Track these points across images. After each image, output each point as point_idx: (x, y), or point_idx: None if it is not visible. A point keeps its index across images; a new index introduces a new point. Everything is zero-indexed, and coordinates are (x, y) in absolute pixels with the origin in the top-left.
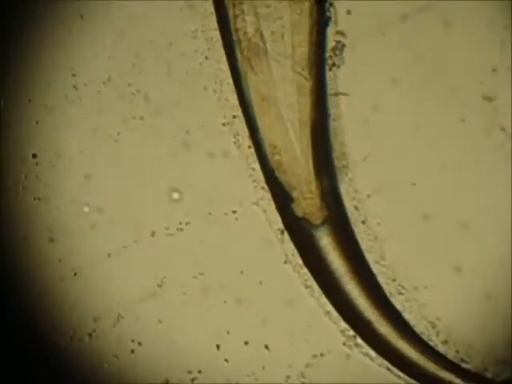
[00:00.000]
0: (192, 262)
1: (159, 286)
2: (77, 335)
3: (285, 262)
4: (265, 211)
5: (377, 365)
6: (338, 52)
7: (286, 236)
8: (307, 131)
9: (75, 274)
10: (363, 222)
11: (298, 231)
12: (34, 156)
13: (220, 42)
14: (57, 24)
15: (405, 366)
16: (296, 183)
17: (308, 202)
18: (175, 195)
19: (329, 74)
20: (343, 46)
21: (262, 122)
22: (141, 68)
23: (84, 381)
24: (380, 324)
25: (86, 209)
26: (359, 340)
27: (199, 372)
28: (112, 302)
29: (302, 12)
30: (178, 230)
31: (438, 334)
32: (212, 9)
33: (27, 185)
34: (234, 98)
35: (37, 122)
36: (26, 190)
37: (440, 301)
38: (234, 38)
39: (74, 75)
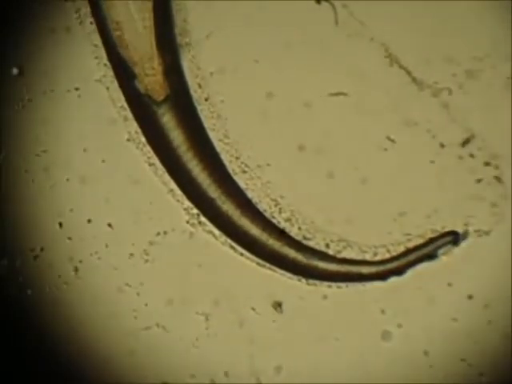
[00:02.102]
0: (34, 139)
1: (0, 163)
2: None
3: (128, 140)
4: (107, 88)
5: (220, 243)
6: None
7: (129, 113)
8: (149, 7)
9: None
10: (206, 100)
11: (141, 108)
12: None
13: None
14: None
15: (248, 243)
16: (138, 59)
17: (150, 79)
18: (15, 70)
19: None
20: None
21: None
22: None
23: None
24: (223, 202)
25: None
26: (203, 218)
27: (41, 250)
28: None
29: None
30: (21, 107)
31: (280, 211)
32: None
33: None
34: None
35: None
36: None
37: (283, 179)
38: None
39: None
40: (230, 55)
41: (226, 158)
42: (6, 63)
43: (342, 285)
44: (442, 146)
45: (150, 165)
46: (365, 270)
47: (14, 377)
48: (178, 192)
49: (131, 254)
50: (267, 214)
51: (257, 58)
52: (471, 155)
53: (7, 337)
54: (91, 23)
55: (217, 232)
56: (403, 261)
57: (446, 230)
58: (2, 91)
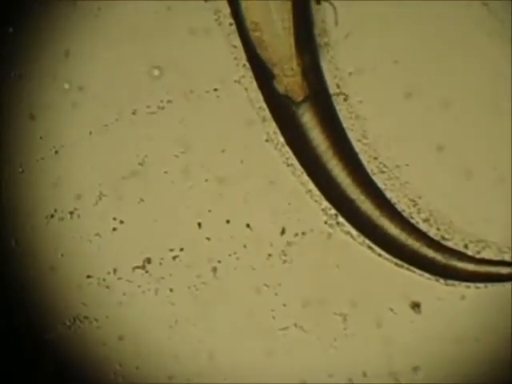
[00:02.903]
0: (173, 141)
1: (141, 164)
2: (58, 214)
3: (266, 141)
4: (246, 89)
5: (358, 243)
6: None
7: (268, 114)
8: (288, 7)
9: (56, 152)
10: (345, 100)
11: (280, 109)
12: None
13: None
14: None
15: (386, 244)
16: (277, 60)
17: (289, 79)
18: (156, 72)
19: None
20: None
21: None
22: None
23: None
24: (362, 202)
25: (66, 86)
26: (341, 218)
27: (181, 250)
28: (93, 180)
29: None
30: (159, 108)
31: (419, 211)
32: None
33: (7, 58)
34: None
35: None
36: (6, 64)
37: (421, 179)
38: None
39: None
40: (369, 55)
41: (364, 158)
42: (148, 64)
43: (481, 285)
44: None
45: (289, 165)
46: (504, 270)
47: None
48: (317, 192)
49: (269, 255)
50: (406, 214)
51: (396, 58)
52: None
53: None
54: (230, 24)
55: (355, 232)
56: None
57: None
58: (142, 92)
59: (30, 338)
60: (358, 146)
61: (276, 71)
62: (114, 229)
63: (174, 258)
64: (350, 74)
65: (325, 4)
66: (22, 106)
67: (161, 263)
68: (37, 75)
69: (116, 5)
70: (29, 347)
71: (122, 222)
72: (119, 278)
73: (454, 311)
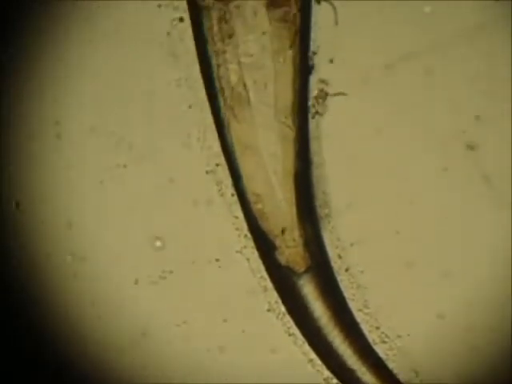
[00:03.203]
0: (175, 311)
1: (143, 334)
2: None
3: (268, 310)
4: (248, 259)
5: None
6: (320, 100)
7: (269, 284)
8: (290, 180)
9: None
10: (346, 270)
11: (281, 279)
12: (18, 205)
13: (203, 91)
14: (42, 74)
15: None
16: (279, 232)
17: (291, 251)
18: (158, 243)
19: (312, 123)
20: (326, 94)
21: (245, 171)
22: (124, 116)
23: None
24: (363, 372)
25: (68, 258)
26: None
27: None
28: (94, 353)
29: (285, 61)
30: (161, 278)
31: (421, 382)
32: (195, 58)
33: (11, 232)
34: (217, 146)
35: (20, 169)
36: (8, 237)
37: (424, 349)
38: (217, 86)
39: (57, 123)
40: (371, 225)
41: (365, 328)
42: (150, 235)
43: None
44: None
45: (290, 335)
46: None
47: None
48: (318, 362)
49: None
50: None
51: (398, 228)
52: None
53: None
54: (232, 195)
55: None
56: None
57: None
58: (144, 263)
59: (30, 338)
60: (359, 316)
61: (277, 242)
62: None
63: None
64: (352, 244)
65: (326, 177)
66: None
67: None
68: (39, 246)
69: (119, 175)
70: (29, 347)
71: None
72: None
73: None
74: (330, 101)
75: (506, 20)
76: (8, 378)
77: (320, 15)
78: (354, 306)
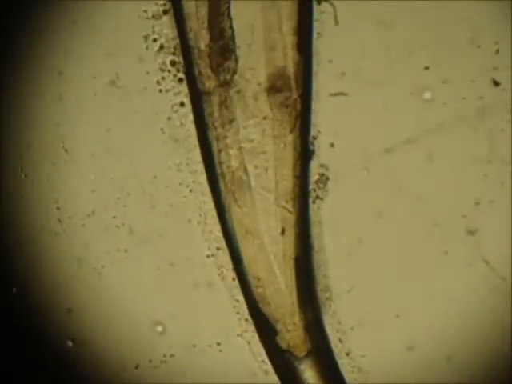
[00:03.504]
0: None
1: None
2: None
3: None
4: (249, 343)
5: None
6: (321, 185)
7: (270, 367)
8: (291, 264)
9: None
10: (347, 354)
11: (282, 363)
12: (18, 289)
13: (204, 175)
14: (42, 154)
15: None
16: (280, 315)
17: (292, 334)
18: (159, 328)
19: (312, 207)
20: (327, 179)
21: (246, 255)
22: (125, 201)
23: None
24: None
25: (69, 343)
26: None
27: None
28: None
29: (286, 146)
30: (162, 362)
31: None
32: (196, 142)
33: (11, 318)
34: (218, 230)
35: (21, 253)
36: (8, 323)
37: None
38: (218, 171)
39: (58, 208)
40: (371, 309)
41: None
42: (151, 320)
43: None
44: None
45: None
46: None
47: None
48: None
49: None
50: None
51: (398, 312)
52: None
53: None
54: (233, 279)
55: None
56: None
57: None
58: (145, 347)
59: (30, 338)
60: None
61: (278, 327)
62: None
63: None
64: (352, 328)
65: (327, 260)
66: (23, 361)
67: None
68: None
69: (120, 259)
70: (29, 347)
71: None
72: None
73: None
74: (330, 185)
75: (506, 105)
76: (8, 378)
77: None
78: None
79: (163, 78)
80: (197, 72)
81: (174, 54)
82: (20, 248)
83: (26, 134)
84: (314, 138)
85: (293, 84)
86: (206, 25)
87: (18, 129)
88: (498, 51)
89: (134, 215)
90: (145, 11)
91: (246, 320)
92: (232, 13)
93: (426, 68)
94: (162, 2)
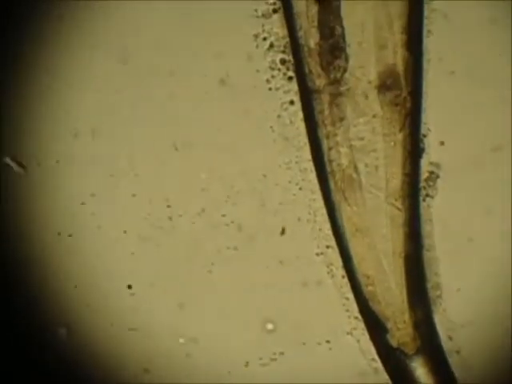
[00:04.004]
0: None
1: None
2: None
3: None
4: (358, 341)
5: None
6: (431, 183)
7: (380, 365)
8: (401, 262)
9: None
10: (457, 352)
11: (392, 361)
12: (130, 287)
13: (314, 173)
14: (152, 152)
15: None
16: (390, 313)
17: (402, 332)
18: (269, 326)
19: (422, 205)
20: (437, 176)
21: (356, 253)
22: (235, 199)
23: None
24: None
25: (181, 340)
26: None
27: None
28: None
29: (396, 144)
30: (271, 360)
31: None
32: (306, 140)
33: (122, 315)
34: (327, 229)
35: (132, 253)
36: (121, 320)
37: None
38: (328, 169)
39: (168, 206)
40: (482, 307)
41: None
42: (262, 317)
43: None
44: None
45: None
46: None
47: None
48: None
49: None
50: None
51: (508, 310)
52: None
53: None
54: (343, 277)
55: None
56: None
57: None
58: (255, 344)
59: (30, 337)
60: None
61: (389, 325)
62: None
63: None
64: (463, 326)
65: (437, 258)
66: (137, 358)
67: None
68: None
69: (229, 257)
70: (29, 347)
71: None
72: None
73: None
74: (440, 183)
75: None
76: (8, 378)
77: (430, 95)
78: None
79: (273, 77)
80: (307, 70)
81: (283, 52)
82: (130, 247)
83: (137, 131)
84: (424, 136)
85: (403, 82)
86: (316, 23)
87: (128, 126)
88: None
89: (244, 213)
90: (255, 10)
91: (356, 318)
92: (342, 11)
93: None
94: (272, 1)
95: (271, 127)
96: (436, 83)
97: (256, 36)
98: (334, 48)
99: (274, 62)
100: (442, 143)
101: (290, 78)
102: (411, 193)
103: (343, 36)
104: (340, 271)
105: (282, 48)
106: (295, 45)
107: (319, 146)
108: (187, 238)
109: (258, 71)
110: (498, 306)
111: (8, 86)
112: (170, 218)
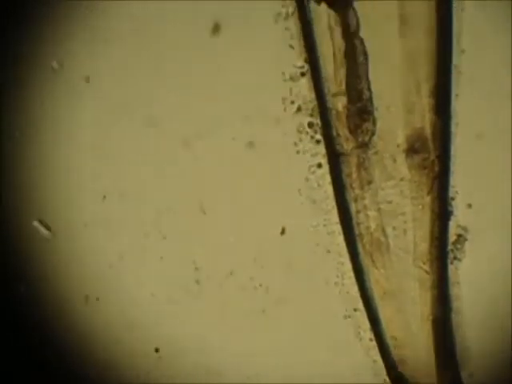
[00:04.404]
0: None
1: None
2: None
3: None
4: None
5: None
6: (459, 246)
7: None
8: (429, 325)
9: None
10: None
11: None
12: (157, 350)
13: (342, 236)
14: (180, 215)
15: None
16: (418, 377)
17: None
18: None
19: (450, 268)
20: (464, 239)
21: (384, 315)
22: (262, 261)
23: None
24: None
25: None
26: None
27: None
28: None
29: (424, 207)
30: None
31: None
32: (333, 203)
33: (149, 378)
34: (355, 291)
35: (160, 316)
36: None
37: None
38: (356, 232)
39: (196, 269)
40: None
41: None
42: (286, 381)
43: None
44: None
45: None
46: None
47: None
48: None
49: None
50: None
51: None
52: None
53: None
54: (370, 340)
55: None
56: None
57: None
58: None
59: (30, 337)
60: None
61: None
62: None
63: None
64: None
65: (466, 322)
66: None
67: None
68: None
69: (258, 320)
70: (29, 347)
71: None
72: None
73: None
74: (467, 246)
75: None
76: (8, 377)
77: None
78: None
79: (300, 140)
80: (334, 133)
81: (311, 115)
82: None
83: (164, 194)
84: (452, 199)
85: (431, 145)
86: (343, 87)
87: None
88: None
89: (272, 276)
90: (283, 73)
91: (384, 381)
92: (370, 75)
93: None
94: (300, 65)
95: (299, 190)
96: (463, 146)
97: (284, 99)
98: (361, 111)
99: (301, 125)
100: (470, 206)
101: (318, 141)
102: (439, 256)
103: (371, 99)
104: (368, 334)
105: (309, 111)
106: (323, 108)
107: (347, 209)
108: (215, 300)
109: (285, 134)
110: None
111: (8, 87)
112: (198, 282)
